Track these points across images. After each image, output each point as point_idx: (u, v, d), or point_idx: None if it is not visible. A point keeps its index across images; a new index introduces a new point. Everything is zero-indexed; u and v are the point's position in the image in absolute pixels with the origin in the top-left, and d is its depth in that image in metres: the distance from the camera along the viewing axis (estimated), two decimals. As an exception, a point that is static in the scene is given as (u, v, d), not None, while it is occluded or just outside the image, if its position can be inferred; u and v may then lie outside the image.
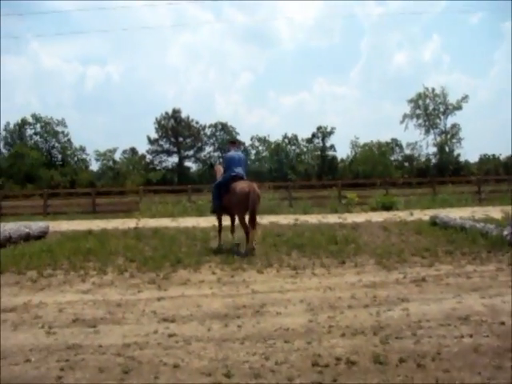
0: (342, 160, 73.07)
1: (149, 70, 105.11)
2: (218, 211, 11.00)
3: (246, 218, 10.05)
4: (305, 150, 73.35)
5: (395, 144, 72.13)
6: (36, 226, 13.98)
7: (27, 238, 12.67)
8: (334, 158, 72.64)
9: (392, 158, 70.68)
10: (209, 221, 16.50)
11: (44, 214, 23.04)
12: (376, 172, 59.86)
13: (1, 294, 6.86)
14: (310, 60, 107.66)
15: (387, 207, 20.96)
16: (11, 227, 12.84)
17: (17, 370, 4.08)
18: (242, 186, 10.02)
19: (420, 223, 14.02)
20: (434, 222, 13.44)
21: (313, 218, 17.05)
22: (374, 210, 20.98)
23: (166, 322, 5.23)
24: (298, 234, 12.20)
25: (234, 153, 10.84)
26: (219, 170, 11.33)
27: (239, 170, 10.51)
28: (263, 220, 16.19)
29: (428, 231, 12.16)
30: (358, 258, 8.83)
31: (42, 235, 13.65)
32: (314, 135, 72.51)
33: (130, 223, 16.58)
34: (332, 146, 72.56)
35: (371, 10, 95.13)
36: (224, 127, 75.07)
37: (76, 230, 14.82)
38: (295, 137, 73.18)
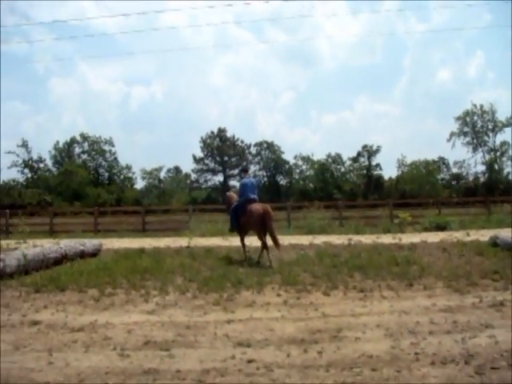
0: (389, 179, 72.04)
1: (192, 89, 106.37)
2: (237, 230, 12.48)
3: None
4: (350, 168, 72.65)
5: (442, 162, 70.77)
6: (90, 243, 14.06)
7: (82, 255, 12.75)
8: (380, 176, 71.69)
9: (439, 177, 69.28)
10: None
11: (95, 232, 23.28)
12: (423, 191, 58.79)
13: (66, 313, 6.83)
14: (351, 78, 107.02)
15: (441, 227, 20.37)
16: (66, 244, 12.94)
17: (96, 395, 3.95)
18: (256, 207, 11.52)
19: (479, 244, 13.50)
20: (494, 243, 12.91)
21: (366, 239, 16.66)
22: (426, 230, 20.42)
23: (241, 346, 5.04)
24: (354, 254, 11.88)
25: (247, 179, 12.61)
26: (232, 196, 13.05)
27: (253, 194, 12.02)
28: (316, 240, 15.93)
29: (490, 252, 11.66)
30: (424, 281, 8.49)
31: (95, 252, 13.72)
32: (359, 154, 71.82)
33: (180, 242, 16.51)
34: (378, 165, 71.74)
35: (413, 26, 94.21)
36: (269, 146, 75.07)
37: (128, 248, 14.81)
38: (339, 156, 72.64)
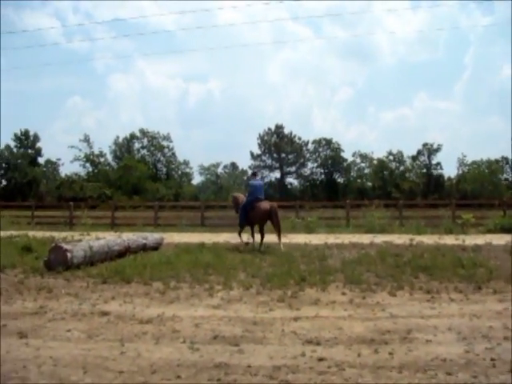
0: (449, 178, 70.27)
1: (249, 86, 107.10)
2: (246, 225, 14.48)
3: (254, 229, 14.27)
4: (409, 167, 71.25)
5: (505, 162, 68.48)
6: (152, 237, 14.34)
7: (144, 248, 13.01)
8: (441, 176, 70.02)
9: (502, 177, 67.09)
10: (320, 238, 16.26)
11: (155, 226, 23.69)
12: (485, 191, 57.05)
13: (133, 305, 6.97)
14: (411, 74, 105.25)
15: (507, 229, 19.67)
16: (130, 238, 13.24)
17: (170, 387, 4.01)
18: (265, 205, 13.78)
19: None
20: None
21: (428, 239, 16.28)
22: (490, 231, 19.77)
23: (310, 344, 5.00)
24: (417, 255, 11.61)
25: (256, 182, 14.78)
26: (239, 197, 15.32)
27: (260, 194, 14.18)
28: (376, 239, 15.70)
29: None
30: (494, 284, 8.20)
31: (157, 246, 13.97)
32: (419, 152, 70.40)
33: (238, 238, 16.55)
34: (438, 164, 70.13)
35: (477, 20, 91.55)
36: (328, 143, 74.51)
37: (188, 243, 15.00)
38: (401, 153, 71.31)
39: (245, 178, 76.03)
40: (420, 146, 70.85)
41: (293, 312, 6.44)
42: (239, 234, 14.82)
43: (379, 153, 73.26)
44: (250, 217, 13.95)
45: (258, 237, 14.03)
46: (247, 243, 14.35)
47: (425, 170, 69.80)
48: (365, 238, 16.12)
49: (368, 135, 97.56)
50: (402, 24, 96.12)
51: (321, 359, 4.52)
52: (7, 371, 4.38)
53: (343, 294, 7.56)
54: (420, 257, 11.22)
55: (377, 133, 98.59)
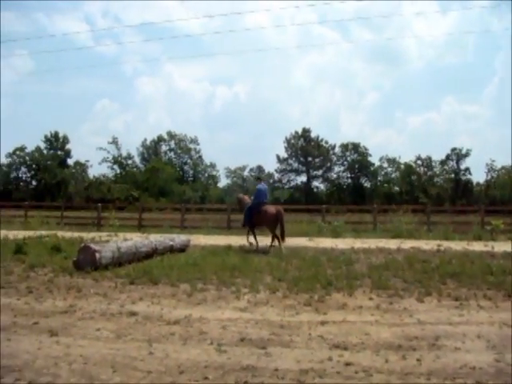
0: (478, 184, 69.27)
1: (275, 89, 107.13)
2: (249, 225, 15.10)
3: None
4: (437, 172, 70.41)
5: (536, 168, 67.22)
6: (178, 239, 14.45)
7: (171, 249, 13.11)
8: (469, 181, 69.05)
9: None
10: (346, 243, 16.16)
11: (181, 228, 23.81)
12: (515, 198, 56.09)
13: (161, 306, 7.04)
14: (439, 78, 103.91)
15: (537, 236, 19.30)
16: (157, 239, 13.36)
17: (198, 388, 4.05)
18: (271, 209, 14.58)
19: None
20: None
21: (456, 245, 16.05)
22: (520, 238, 19.42)
23: (337, 348, 5.00)
24: (445, 261, 11.47)
25: (262, 186, 15.39)
26: (244, 198, 16.01)
27: (265, 198, 15.08)
28: (403, 244, 15.55)
29: None
30: (524, 293, 8.06)
31: (183, 248, 14.06)
32: (447, 157, 69.52)
33: (266, 241, 16.54)
34: (467, 169, 69.16)
35: (508, 23, 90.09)
36: (355, 147, 74.02)
37: (214, 245, 15.06)
38: (429, 158, 70.49)
39: (271, 181, 76.10)
40: (448, 150, 70.07)
41: (320, 316, 6.43)
42: (249, 235, 15.32)
43: (407, 157, 72.70)
44: (254, 219, 14.76)
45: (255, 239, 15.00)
46: (251, 243, 14.96)
47: (453, 176, 68.90)
48: (392, 243, 15.98)
49: (395, 139, 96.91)
50: (430, 27, 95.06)
51: (348, 364, 4.52)
52: (39, 367, 4.48)
53: (370, 299, 7.53)
54: (448, 263, 11.09)
55: (404, 137, 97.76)
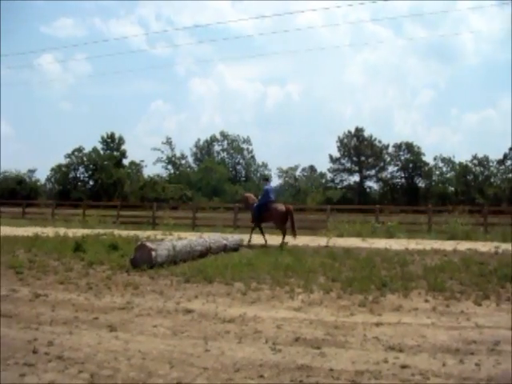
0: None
1: (327, 88, 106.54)
2: (257, 222, 16.17)
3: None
4: (495, 172, 68.35)
5: None
6: (232, 238, 14.60)
7: (224, 249, 13.25)
8: (528, 181, 66.73)
9: None
10: (400, 244, 15.91)
11: (234, 227, 24.00)
12: None
13: (216, 304, 7.14)
14: (496, 74, 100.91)
15: None
16: (211, 238, 13.52)
17: (254, 385, 4.10)
18: (280, 207, 15.75)
19: None
20: None
21: (516, 247, 15.57)
22: None
23: (393, 350, 4.94)
24: (503, 263, 11.13)
25: (269, 186, 16.92)
26: (250, 196, 17.01)
27: (273, 197, 16.27)
28: (459, 246, 15.20)
29: None
30: None
31: (237, 247, 14.18)
32: (505, 156, 67.34)
33: (319, 241, 16.53)
34: (526, 169, 66.84)
35: None
36: (409, 147, 72.68)
37: (268, 245, 15.11)
38: (486, 158, 68.49)
39: (323, 181, 75.71)
40: (506, 149, 67.83)
41: (374, 317, 6.38)
42: (252, 232, 16.34)
43: (462, 157, 70.86)
44: (263, 217, 15.89)
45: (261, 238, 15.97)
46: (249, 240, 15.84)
47: (511, 175, 66.70)
48: (447, 245, 15.64)
49: (450, 138, 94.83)
50: (487, 21, 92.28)
51: (404, 366, 4.46)
52: (100, 361, 4.63)
53: (426, 301, 7.40)
54: (506, 266, 10.76)
55: (460, 136, 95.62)
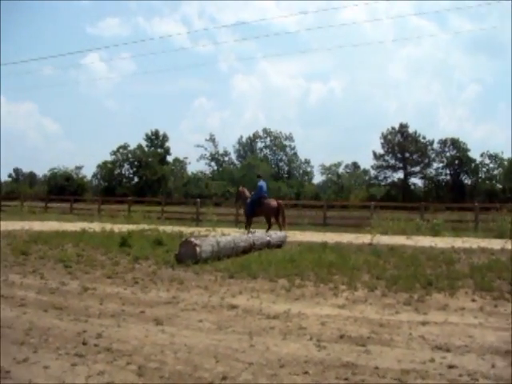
0: None
1: (370, 84, 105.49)
2: (251, 215, 17.73)
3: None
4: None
5: None
6: (275, 234, 14.63)
7: (268, 245, 13.28)
8: None
9: None
10: (446, 242, 15.65)
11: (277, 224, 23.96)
12: None
13: (260, 300, 7.18)
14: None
15: None
16: (255, 234, 13.59)
17: (299, 381, 4.10)
18: (273, 202, 17.49)
19: None
20: None
21: None
22: None
23: (440, 350, 4.87)
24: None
25: (262, 183, 18.03)
26: (244, 191, 18.32)
27: (265, 193, 17.82)
28: (507, 245, 14.81)
29: None
30: None
31: (280, 244, 14.18)
32: (557, 153, 65.29)
33: (362, 238, 16.40)
34: None
35: None
36: (455, 143, 71.13)
37: (310, 242, 15.04)
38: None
39: (366, 177, 74.94)
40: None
41: (420, 316, 6.29)
42: (246, 225, 17.90)
43: (510, 153, 68.80)
44: (257, 211, 17.42)
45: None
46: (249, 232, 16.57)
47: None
48: (495, 244, 15.26)
49: (498, 134, 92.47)
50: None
51: (451, 367, 4.39)
52: (147, 354, 4.73)
53: (473, 300, 7.25)
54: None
55: (508, 131, 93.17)
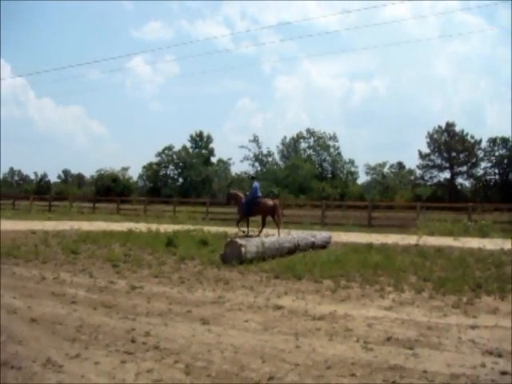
0: None
1: (415, 82, 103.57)
2: (247, 216, 18.25)
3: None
4: None
5: None
6: (320, 235, 14.55)
7: (312, 246, 13.23)
8: None
9: None
10: (495, 243, 15.24)
11: (321, 225, 23.89)
12: None
13: (305, 301, 7.17)
14: None
15: None
16: (299, 235, 13.55)
17: (345, 382, 4.08)
18: (268, 202, 18.07)
19: None
20: None
21: None
22: None
23: (491, 355, 4.75)
24: None
25: (257, 184, 18.74)
26: (237, 193, 19.26)
27: (259, 194, 18.31)
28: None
29: None
30: None
31: (324, 245, 14.12)
32: None
33: (408, 239, 16.15)
34: None
35: None
36: (505, 142, 69.05)
37: (355, 243, 14.92)
38: None
39: (412, 177, 73.73)
40: None
41: (469, 319, 6.17)
42: (237, 223, 18.56)
43: None
44: (254, 211, 17.92)
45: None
46: (244, 231, 17.96)
47: None
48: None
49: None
50: None
51: (504, 373, 4.28)
52: (194, 353, 4.79)
53: (525, 304, 7.06)
54: None
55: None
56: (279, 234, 15.80)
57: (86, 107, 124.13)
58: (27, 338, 5.27)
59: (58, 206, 37.53)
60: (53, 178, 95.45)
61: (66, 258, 11.30)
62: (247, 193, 18.94)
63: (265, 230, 18.81)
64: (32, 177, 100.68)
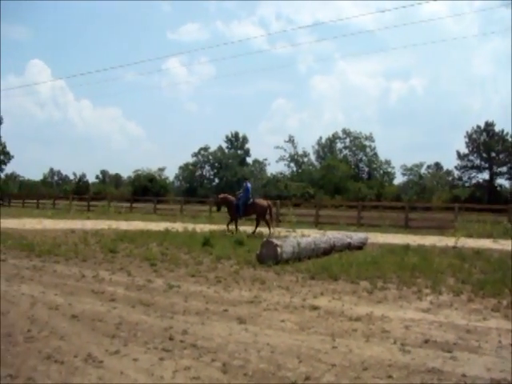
0: None
1: (453, 81, 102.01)
2: (240, 216, 18.88)
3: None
4: None
5: None
6: (356, 236, 14.48)
7: (348, 247, 13.18)
8: None
9: None
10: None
11: (357, 225, 23.74)
12: None
13: (342, 302, 7.14)
14: None
15: None
16: (335, 236, 13.51)
17: (382, 385, 4.07)
18: (262, 202, 18.90)
19: None
20: None
21: None
22: None
23: (533, 361, 4.66)
24: None
25: (249, 185, 19.13)
26: (227, 197, 19.49)
27: (251, 194, 18.86)
28: None
29: None
30: None
31: (360, 246, 14.04)
32: None
33: (446, 241, 15.94)
34: None
35: None
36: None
37: (392, 244, 14.80)
38: None
39: (450, 178, 72.57)
40: None
41: (510, 323, 6.05)
42: (228, 223, 19.10)
43: None
44: (248, 211, 18.66)
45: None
46: (231, 231, 18.29)
47: None
48: None
49: None
50: None
51: (545, 379, 4.20)
52: (231, 351, 4.83)
53: None
54: None
55: None
56: (271, 234, 17.39)
57: (123, 108, 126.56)
58: (69, 333, 5.39)
59: (96, 205, 38.26)
60: (91, 178, 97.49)
61: (104, 256, 11.50)
62: (238, 194, 19.24)
63: (299, 230, 18.86)
64: (71, 177, 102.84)
